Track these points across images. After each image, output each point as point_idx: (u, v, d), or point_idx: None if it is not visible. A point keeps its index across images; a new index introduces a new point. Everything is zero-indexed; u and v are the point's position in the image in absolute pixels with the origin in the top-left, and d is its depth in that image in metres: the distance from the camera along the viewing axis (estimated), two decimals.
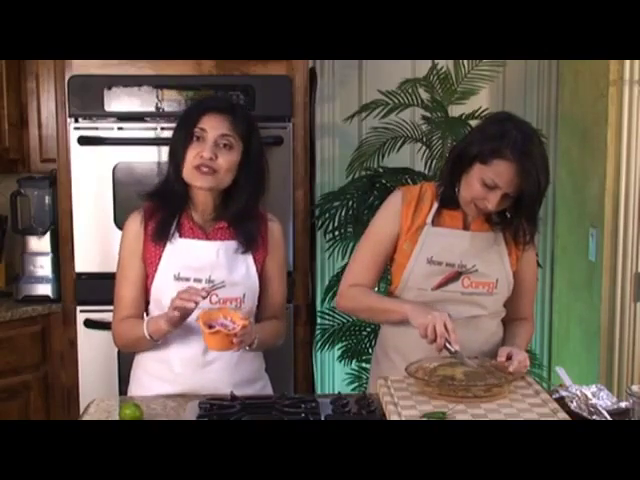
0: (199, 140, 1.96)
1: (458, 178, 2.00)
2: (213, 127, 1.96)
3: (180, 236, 2.02)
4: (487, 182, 1.93)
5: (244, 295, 2.03)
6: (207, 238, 2.03)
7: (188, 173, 1.97)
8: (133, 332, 2.02)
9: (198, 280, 2.00)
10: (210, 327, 1.86)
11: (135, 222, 2.04)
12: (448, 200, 2.06)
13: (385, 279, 2.76)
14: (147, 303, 2.10)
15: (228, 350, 1.91)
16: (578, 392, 1.87)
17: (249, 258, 2.06)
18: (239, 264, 2.04)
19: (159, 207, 2.02)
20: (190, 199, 2.02)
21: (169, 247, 2.01)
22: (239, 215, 2.03)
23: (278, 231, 2.14)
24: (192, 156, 1.95)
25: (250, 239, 2.05)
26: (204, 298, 1.88)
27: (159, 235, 2.01)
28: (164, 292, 2.01)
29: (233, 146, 1.98)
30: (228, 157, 1.97)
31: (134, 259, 2.03)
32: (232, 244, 2.05)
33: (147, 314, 2.12)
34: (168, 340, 2.03)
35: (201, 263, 2.01)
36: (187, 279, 2.00)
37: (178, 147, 1.98)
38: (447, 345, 1.90)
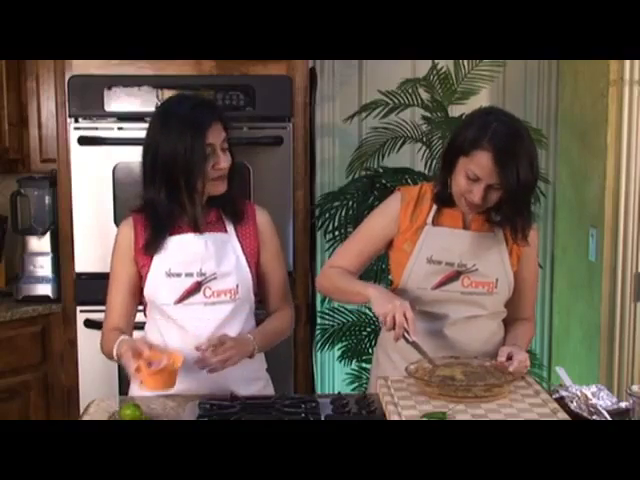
0: (208, 153, 1.94)
1: (449, 175, 2.01)
2: (216, 138, 1.96)
3: (170, 234, 2.02)
4: (469, 175, 1.93)
5: (237, 286, 2.03)
6: (195, 231, 2.03)
7: (208, 185, 1.97)
8: (109, 347, 1.99)
9: (189, 274, 2.00)
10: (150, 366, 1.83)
11: (126, 227, 2.05)
12: (443, 199, 2.06)
13: (386, 279, 2.77)
14: (144, 306, 2.11)
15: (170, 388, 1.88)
16: (578, 392, 1.87)
17: (238, 247, 2.07)
18: (229, 254, 2.05)
19: (155, 218, 2.00)
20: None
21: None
22: (228, 198, 2.05)
23: (267, 220, 2.14)
24: (209, 169, 1.95)
25: (236, 214, 2.07)
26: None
27: (153, 242, 2.00)
28: (157, 291, 2.02)
29: (227, 145, 2.00)
30: (229, 158, 2.00)
31: (125, 261, 2.04)
32: (220, 235, 2.05)
33: (145, 315, 2.13)
34: (166, 342, 2.03)
35: (191, 257, 2.01)
36: (178, 274, 2.01)
37: (192, 163, 1.92)
38: (405, 335, 1.90)
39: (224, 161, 1.97)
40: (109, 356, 2.01)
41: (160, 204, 1.98)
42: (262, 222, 2.13)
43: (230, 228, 2.07)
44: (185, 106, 1.98)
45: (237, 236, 2.08)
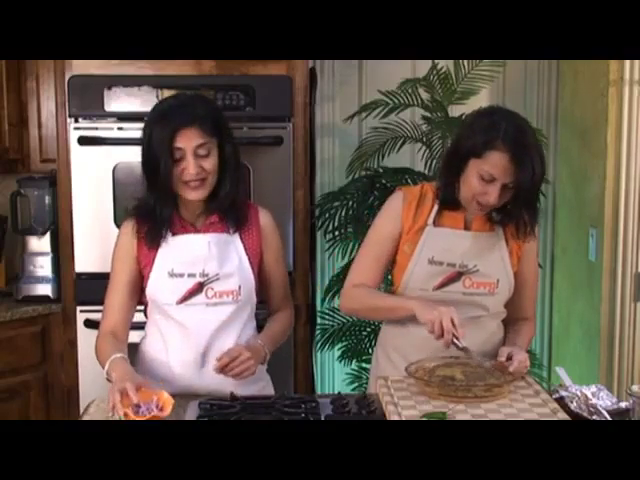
0: (179, 157, 1.93)
1: (456, 177, 2.00)
2: (188, 142, 1.92)
3: (173, 235, 2.02)
4: (484, 176, 1.93)
5: (240, 287, 2.04)
6: (198, 232, 2.04)
7: (179, 188, 1.96)
8: (103, 358, 1.98)
9: (192, 275, 2.01)
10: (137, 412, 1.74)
11: (128, 228, 2.05)
12: (447, 200, 2.05)
13: (386, 279, 2.77)
14: (145, 305, 2.11)
15: None
16: (578, 392, 1.87)
17: (241, 249, 2.07)
18: (231, 255, 2.05)
19: (149, 215, 2.01)
20: (179, 201, 2.02)
21: (163, 246, 2.02)
22: (226, 202, 2.03)
23: (270, 222, 2.14)
24: (178, 173, 1.94)
25: (239, 219, 2.06)
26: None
27: (153, 238, 2.01)
28: (159, 290, 2.02)
29: (211, 150, 1.96)
30: (210, 162, 1.96)
31: (126, 262, 2.04)
32: (223, 236, 2.05)
33: (146, 316, 2.14)
34: (167, 342, 2.05)
35: (194, 257, 2.01)
36: (181, 275, 2.01)
37: (159, 166, 1.92)
38: (455, 341, 1.88)
39: (194, 167, 1.92)
40: (102, 365, 1.98)
41: (149, 198, 1.99)
42: (265, 224, 2.13)
43: (233, 229, 2.07)
44: (166, 105, 2.00)
45: (240, 237, 2.08)
